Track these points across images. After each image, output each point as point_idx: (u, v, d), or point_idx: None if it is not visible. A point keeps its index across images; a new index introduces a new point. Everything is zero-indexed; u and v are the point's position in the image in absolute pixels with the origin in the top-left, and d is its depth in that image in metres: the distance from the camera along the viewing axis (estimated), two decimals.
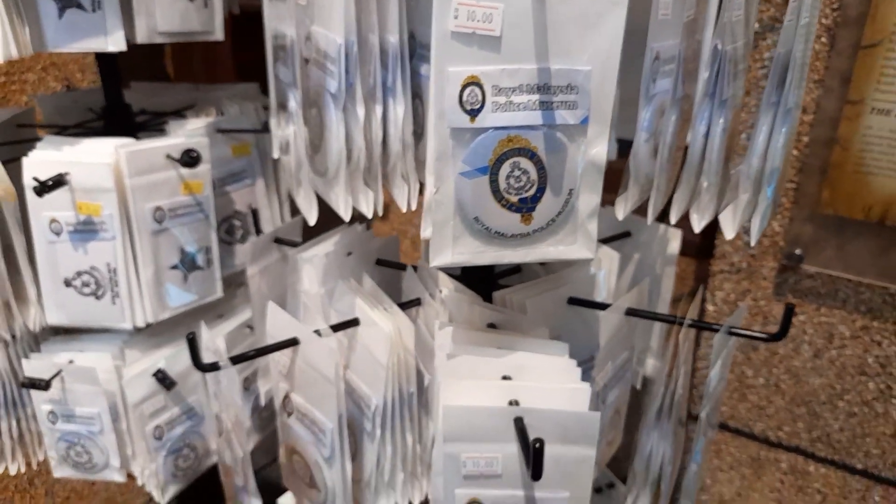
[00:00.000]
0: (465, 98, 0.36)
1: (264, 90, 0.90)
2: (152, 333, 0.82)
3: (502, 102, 0.36)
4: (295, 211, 0.89)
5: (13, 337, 0.78)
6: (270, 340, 0.54)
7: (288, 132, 0.44)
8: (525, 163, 0.38)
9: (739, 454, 1.06)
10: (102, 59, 0.77)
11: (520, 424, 0.43)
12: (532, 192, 0.38)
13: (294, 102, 0.41)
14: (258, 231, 0.82)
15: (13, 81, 1.07)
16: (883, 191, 0.82)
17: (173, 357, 0.81)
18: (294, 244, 0.65)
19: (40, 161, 0.68)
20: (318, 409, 0.52)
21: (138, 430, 0.80)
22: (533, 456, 0.39)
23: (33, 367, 0.77)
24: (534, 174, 0.38)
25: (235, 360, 0.48)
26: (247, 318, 0.90)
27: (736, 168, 0.45)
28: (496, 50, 0.35)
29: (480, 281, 0.58)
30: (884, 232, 0.84)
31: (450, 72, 0.36)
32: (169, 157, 0.71)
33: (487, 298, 0.56)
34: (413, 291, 0.58)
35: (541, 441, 0.39)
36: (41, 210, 0.70)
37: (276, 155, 0.53)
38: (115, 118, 0.80)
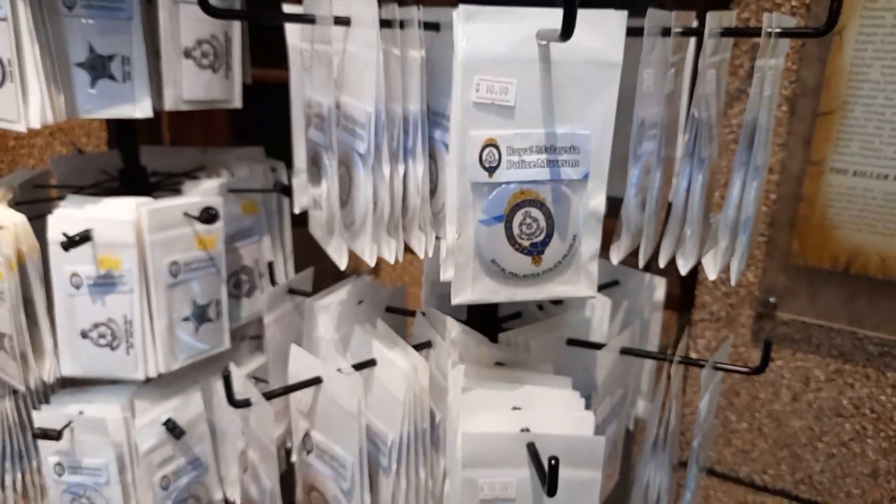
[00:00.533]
0: (484, 157, 0.42)
1: (269, 153, 0.97)
2: (160, 384, 0.84)
3: (516, 161, 0.42)
4: (299, 264, 0.94)
5: (27, 388, 0.80)
6: (293, 380, 0.58)
7: (319, 189, 0.49)
8: (535, 212, 0.43)
9: (727, 499, 1.09)
10: (121, 124, 0.83)
11: (532, 449, 0.47)
12: (541, 237, 0.44)
13: (328, 163, 0.47)
14: (273, 282, 0.86)
15: (22, 146, 1.11)
16: (846, 242, 0.89)
17: (181, 407, 0.83)
18: (307, 294, 0.69)
19: (66, 218, 0.72)
20: (339, 445, 0.56)
21: (145, 480, 0.81)
22: (549, 473, 0.43)
23: (44, 417, 0.79)
24: (543, 222, 0.43)
25: (268, 395, 0.51)
26: (251, 370, 0.93)
27: (714, 218, 0.51)
28: (510, 117, 0.41)
29: (485, 324, 0.62)
30: (850, 280, 0.91)
31: (471, 135, 0.42)
32: (187, 214, 0.75)
33: (492, 339, 0.60)
34: (423, 335, 0.63)
35: (556, 458, 0.43)
36: (63, 264, 0.74)
37: (297, 210, 0.58)
38: (131, 179, 0.85)
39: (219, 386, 0.88)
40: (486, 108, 0.41)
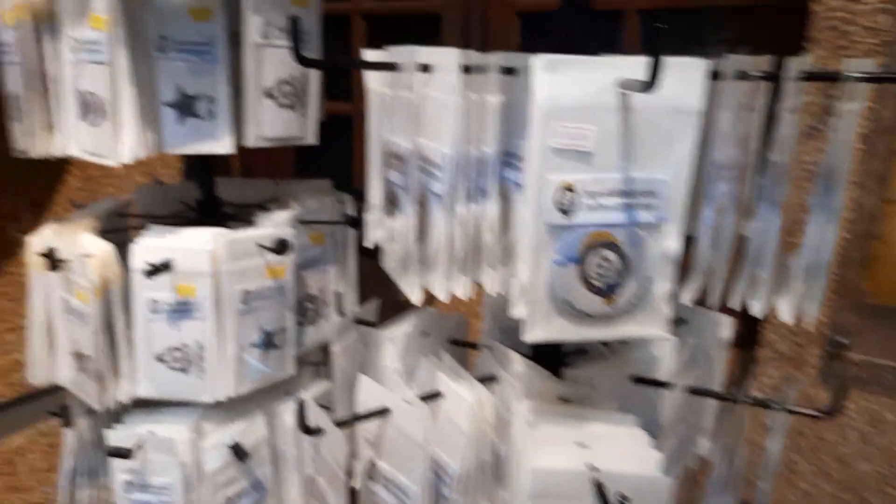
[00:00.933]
0: (559, 199, 0.43)
1: (337, 186, 1.00)
2: (226, 407, 0.87)
3: (592, 204, 0.43)
4: (363, 295, 0.96)
5: (103, 408, 0.84)
6: (361, 409, 0.59)
7: (395, 226, 0.51)
8: (609, 254, 0.44)
9: None
10: (200, 157, 0.87)
11: (599, 487, 0.47)
12: (615, 278, 0.45)
13: (406, 202, 0.49)
14: (341, 313, 0.89)
15: (105, 175, 1.18)
16: None
17: (246, 431, 0.86)
18: (372, 325, 0.71)
19: (148, 247, 0.76)
20: (404, 474, 0.57)
21: (209, 500, 0.84)
22: None
23: (118, 436, 0.83)
24: (617, 263, 0.44)
25: (340, 424, 0.53)
26: (313, 396, 0.95)
27: (790, 260, 0.51)
28: (588, 162, 0.43)
29: (549, 359, 0.63)
30: None
31: (548, 179, 0.43)
32: (260, 245, 0.79)
33: (556, 375, 0.61)
34: (486, 367, 0.64)
35: (625, 497, 0.44)
36: (144, 291, 0.77)
37: (370, 244, 0.60)
38: (207, 209, 0.89)
39: (281, 410, 0.90)
40: (564, 153, 0.42)
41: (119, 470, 0.83)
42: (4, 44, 0.74)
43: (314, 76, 0.75)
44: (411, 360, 0.65)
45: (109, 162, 0.70)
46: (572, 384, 0.59)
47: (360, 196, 0.94)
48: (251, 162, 1.56)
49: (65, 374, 0.84)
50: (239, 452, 0.84)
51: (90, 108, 0.70)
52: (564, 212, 0.43)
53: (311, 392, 0.95)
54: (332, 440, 0.55)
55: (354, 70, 1.23)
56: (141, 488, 0.84)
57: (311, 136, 0.78)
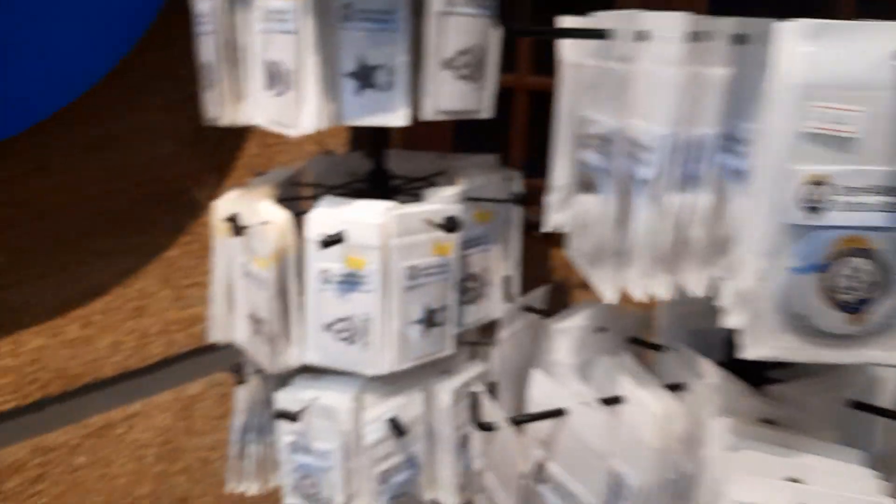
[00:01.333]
0: (805, 195, 0.36)
1: (504, 162, 0.96)
2: (386, 381, 0.87)
3: (850, 202, 0.36)
4: (527, 282, 0.92)
5: (273, 371, 0.87)
6: (534, 406, 0.56)
7: (588, 214, 0.47)
8: (863, 263, 0.37)
9: None
10: (374, 129, 0.86)
11: None
12: (867, 293, 0.37)
13: (608, 188, 0.44)
14: (509, 297, 0.86)
15: (278, 143, 1.22)
16: None
17: (404, 406, 0.86)
18: (544, 314, 0.67)
19: (323, 218, 0.77)
20: (579, 482, 0.53)
21: (366, 470, 0.85)
22: None
23: (285, 399, 0.86)
24: (872, 275, 0.37)
25: (515, 421, 0.50)
26: (469, 377, 0.93)
27: None
28: (849, 151, 0.35)
29: (747, 371, 0.56)
30: None
31: (794, 170, 0.36)
32: (430, 221, 0.77)
33: (755, 389, 0.54)
34: (670, 373, 0.57)
35: None
36: (316, 261, 0.78)
37: (549, 229, 0.56)
38: (376, 181, 0.88)
39: (438, 389, 0.89)
40: (818, 139, 0.35)
41: (285, 431, 0.86)
42: (200, 14, 0.77)
43: (493, 46, 0.71)
44: (586, 357, 0.60)
45: (291, 132, 0.71)
46: (778, 404, 0.51)
47: (529, 173, 0.90)
48: (411, 133, 1.56)
49: (241, 334, 0.88)
50: (397, 427, 0.84)
51: (276, 77, 0.71)
52: (811, 210, 0.36)
53: (468, 373, 0.93)
54: (504, 438, 0.51)
55: (520, 39, 1.17)
56: (304, 451, 0.87)
57: (487, 110, 0.74)
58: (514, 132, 1.27)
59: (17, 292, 0.98)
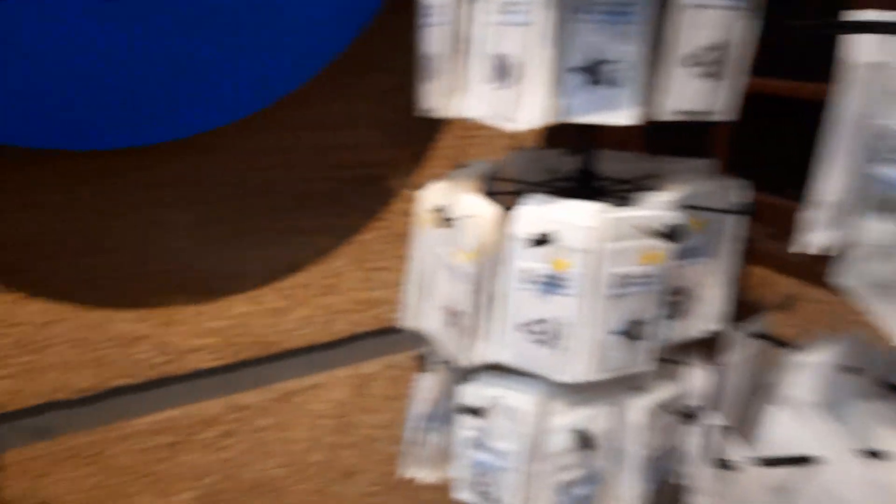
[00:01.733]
0: None
1: (725, 168, 0.89)
2: (576, 390, 0.83)
3: None
4: (745, 308, 0.85)
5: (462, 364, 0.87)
6: (770, 446, 0.50)
7: (881, 237, 0.40)
8: None
9: None
10: (585, 126, 0.83)
11: None
12: None
13: None
14: (721, 317, 0.79)
15: (473, 135, 1.22)
16: None
17: (593, 418, 0.82)
18: (781, 343, 0.60)
19: (532, 217, 0.75)
20: None
21: (545, 478, 0.82)
22: None
23: (469, 394, 0.85)
24: None
25: (765, 462, 0.45)
26: (664, 398, 0.87)
27: None
28: None
29: None
30: None
31: None
32: (642, 228, 0.72)
33: None
34: None
35: None
36: (519, 259, 0.76)
37: (805, 249, 0.49)
38: (583, 182, 0.85)
39: (629, 404, 0.84)
40: None
41: (466, 426, 0.86)
42: (428, 6, 0.77)
43: (743, 42, 0.64)
44: (831, 399, 0.53)
45: (513, 126, 0.69)
46: None
47: (758, 185, 0.82)
48: (599, 130, 1.50)
49: (433, 324, 0.88)
50: (585, 439, 0.80)
51: (501, 70, 0.70)
52: None
53: (662, 392, 0.87)
54: (746, 479, 0.46)
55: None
56: (483, 448, 0.86)
57: (729, 112, 0.68)
58: (717, 134, 1.18)
59: (231, 262, 1.05)
